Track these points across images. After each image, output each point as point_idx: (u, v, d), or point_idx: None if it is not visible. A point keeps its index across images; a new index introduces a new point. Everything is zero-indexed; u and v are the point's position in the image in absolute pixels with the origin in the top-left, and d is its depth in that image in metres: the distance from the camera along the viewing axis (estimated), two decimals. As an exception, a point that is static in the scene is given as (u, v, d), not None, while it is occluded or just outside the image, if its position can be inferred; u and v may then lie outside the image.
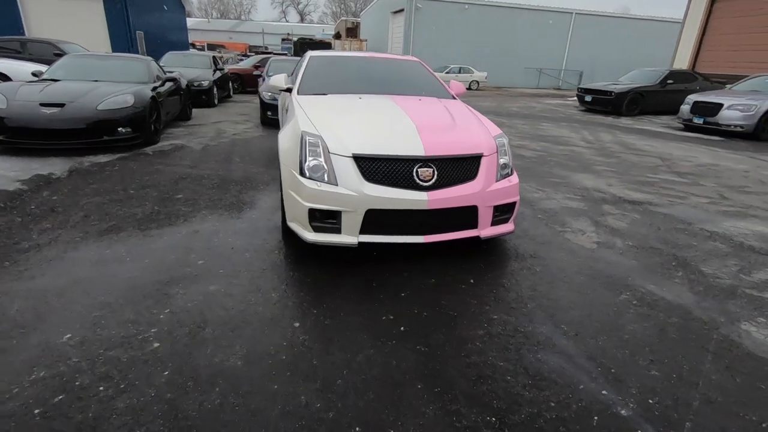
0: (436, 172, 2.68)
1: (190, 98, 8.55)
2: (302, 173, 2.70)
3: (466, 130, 3.05)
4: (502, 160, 2.94)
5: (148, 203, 3.73)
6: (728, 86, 10.86)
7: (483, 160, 2.84)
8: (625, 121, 11.43)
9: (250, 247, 3.00)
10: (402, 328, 2.17)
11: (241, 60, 16.50)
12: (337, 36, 27.99)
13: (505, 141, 3.06)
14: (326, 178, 2.64)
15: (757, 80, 10.17)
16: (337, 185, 2.61)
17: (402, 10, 23.44)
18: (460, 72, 22.45)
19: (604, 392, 1.80)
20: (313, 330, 2.12)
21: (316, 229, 2.70)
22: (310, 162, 2.70)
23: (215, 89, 10.34)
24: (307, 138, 2.76)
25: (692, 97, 9.97)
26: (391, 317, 2.26)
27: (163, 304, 2.26)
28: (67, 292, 2.33)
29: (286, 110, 3.95)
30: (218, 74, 10.89)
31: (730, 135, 9.27)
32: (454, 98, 3.98)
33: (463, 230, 2.82)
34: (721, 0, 15.64)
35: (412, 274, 2.73)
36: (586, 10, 25.10)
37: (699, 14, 16.34)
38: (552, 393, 1.78)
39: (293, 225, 2.83)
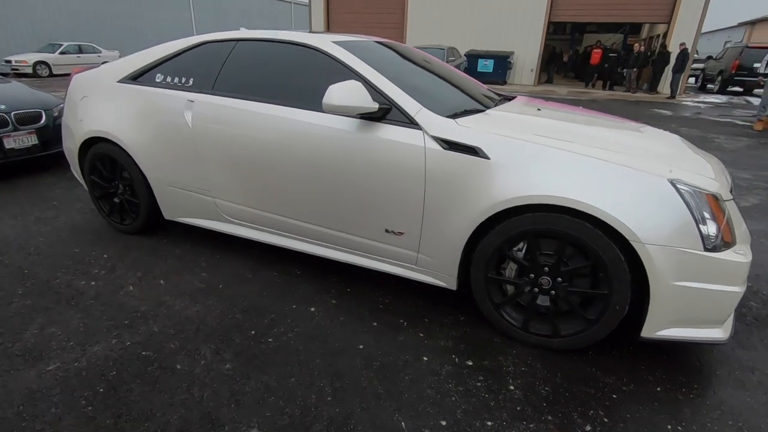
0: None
1: None
2: (707, 246, 1.62)
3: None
4: None
5: None
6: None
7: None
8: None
9: None
10: None
11: None
12: None
13: None
14: (721, 240, 1.70)
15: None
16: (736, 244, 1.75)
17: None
18: (81, 52, 16.82)
19: None
20: None
21: (720, 317, 1.75)
22: (710, 226, 1.64)
23: None
24: (686, 189, 1.63)
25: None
26: None
27: None
28: None
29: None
30: None
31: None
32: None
33: None
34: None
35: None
36: (202, -18, 23.78)
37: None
38: None
39: (687, 332, 1.70)
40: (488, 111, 2.17)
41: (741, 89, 15.62)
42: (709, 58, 18.64)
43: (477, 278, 1.94)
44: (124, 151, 2.68)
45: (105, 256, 2.65)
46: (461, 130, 1.87)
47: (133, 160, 2.68)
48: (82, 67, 3.11)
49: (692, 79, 18.54)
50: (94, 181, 2.95)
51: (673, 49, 13.72)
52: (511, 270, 1.91)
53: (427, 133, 1.90)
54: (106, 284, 2.34)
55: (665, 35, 15.09)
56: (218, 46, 2.50)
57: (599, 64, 15.67)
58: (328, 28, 19.27)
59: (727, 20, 33.47)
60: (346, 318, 2.11)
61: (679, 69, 13.27)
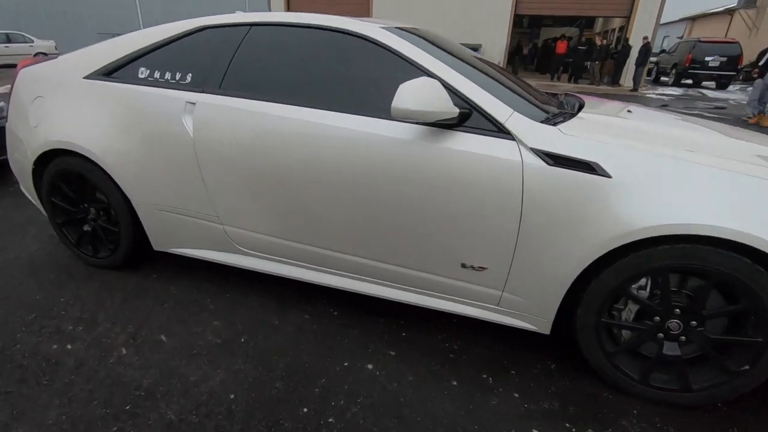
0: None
1: None
2: None
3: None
4: None
5: None
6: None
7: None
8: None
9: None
10: None
11: None
12: None
13: None
14: None
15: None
16: None
17: None
18: (9, 41, 15.00)
19: None
20: None
21: None
22: None
23: None
24: None
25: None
26: None
27: None
28: None
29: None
30: None
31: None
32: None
33: None
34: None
35: None
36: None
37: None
38: None
39: None
40: (581, 115, 1.79)
41: (691, 81, 16.35)
42: (663, 51, 19.42)
43: (586, 323, 1.57)
44: (98, 166, 2.09)
45: (79, 303, 2.06)
46: (568, 140, 1.48)
47: (110, 179, 2.10)
48: (31, 59, 2.45)
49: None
50: (55, 203, 2.32)
51: (634, 43, 14.10)
52: (629, 312, 1.56)
53: (524, 144, 1.50)
54: (89, 347, 1.77)
55: (621, 29, 15.48)
56: (224, 33, 1.96)
57: (564, 55, 15.89)
58: (288, 9, 18.36)
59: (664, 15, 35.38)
60: (416, 377, 1.68)
61: (641, 62, 13.63)
